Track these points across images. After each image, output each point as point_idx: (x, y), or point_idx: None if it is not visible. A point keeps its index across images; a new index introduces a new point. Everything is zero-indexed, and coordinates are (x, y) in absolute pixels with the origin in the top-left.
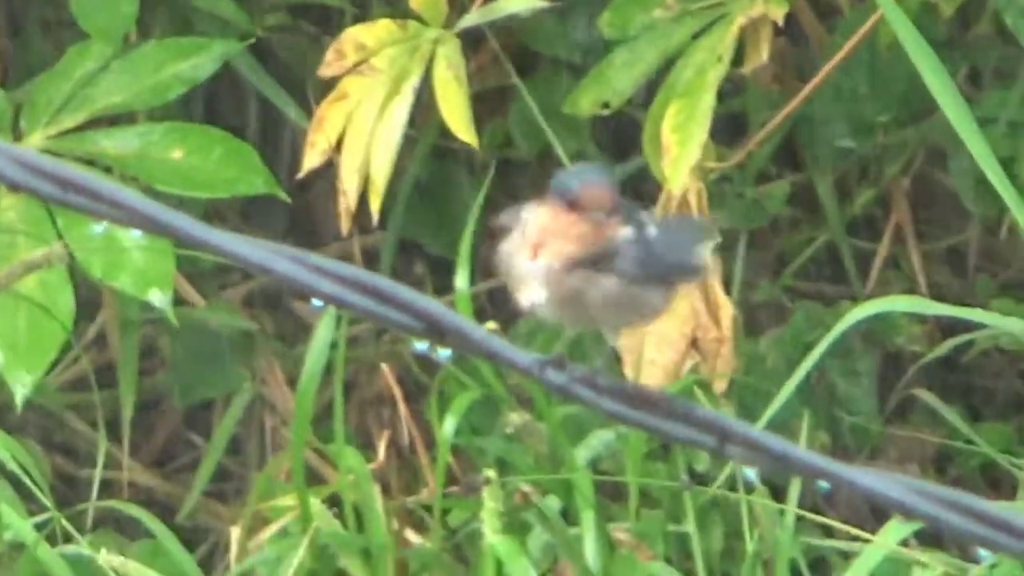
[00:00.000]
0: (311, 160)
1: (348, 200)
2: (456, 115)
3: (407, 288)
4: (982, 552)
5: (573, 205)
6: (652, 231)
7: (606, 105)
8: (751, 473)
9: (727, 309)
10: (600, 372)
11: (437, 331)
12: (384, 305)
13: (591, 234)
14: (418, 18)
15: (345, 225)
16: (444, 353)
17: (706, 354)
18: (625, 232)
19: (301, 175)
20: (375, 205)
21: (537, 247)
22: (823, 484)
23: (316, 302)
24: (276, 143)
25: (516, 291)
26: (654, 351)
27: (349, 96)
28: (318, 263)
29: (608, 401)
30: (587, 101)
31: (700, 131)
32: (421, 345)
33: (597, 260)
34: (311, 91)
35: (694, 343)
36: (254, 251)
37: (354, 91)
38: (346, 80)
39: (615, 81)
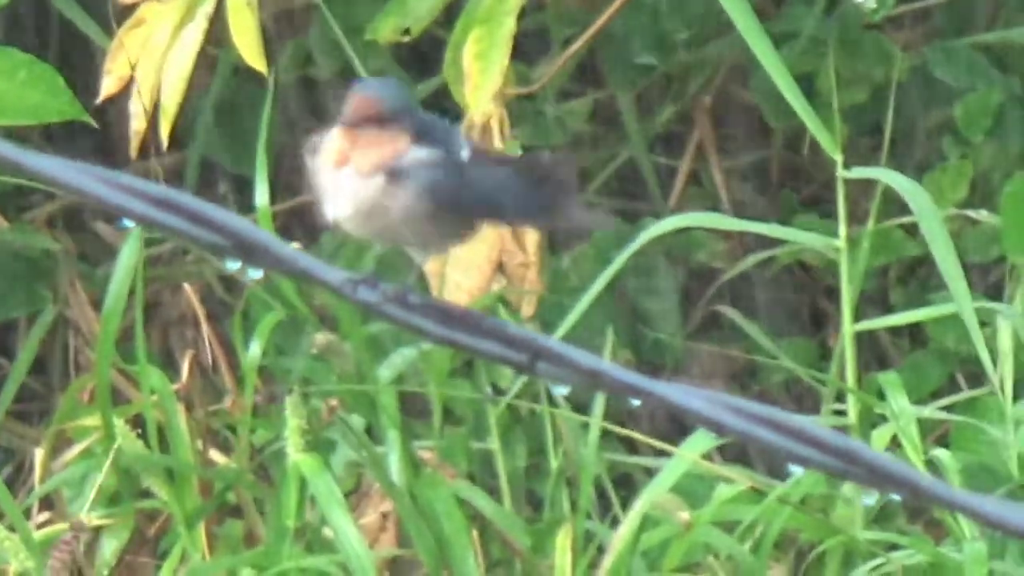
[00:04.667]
0: (108, 87)
1: (137, 123)
2: (247, 41)
3: (217, 207)
4: (792, 468)
5: (352, 118)
6: (466, 156)
7: (407, 32)
8: (561, 390)
9: (532, 233)
10: (411, 290)
11: (247, 250)
12: (194, 224)
13: (382, 146)
14: None
15: (135, 148)
16: (254, 272)
17: (512, 278)
18: (418, 152)
19: (99, 101)
20: (165, 129)
21: (339, 159)
22: (633, 401)
23: (126, 222)
24: (79, 65)
25: (323, 204)
26: (460, 275)
27: (147, 23)
28: (127, 183)
29: (419, 319)
30: (388, 28)
31: (501, 58)
32: (232, 264)
33: (393, 173)
34: (112, 15)
35: (500, 267)
36: (64, 171)
37: (151, 17)
38: (144, 7)
39: (415, 8)
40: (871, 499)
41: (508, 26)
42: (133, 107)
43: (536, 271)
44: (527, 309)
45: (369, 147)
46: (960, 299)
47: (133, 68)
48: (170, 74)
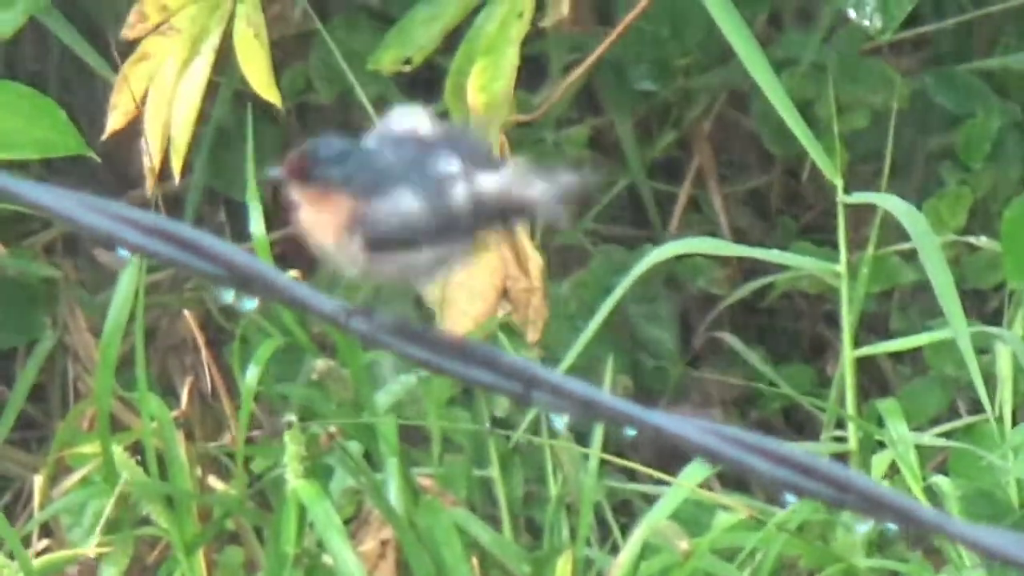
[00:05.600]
0: (115, 122)
1: (153, 160)
2: (258, 73)
3: (211, 236)
4: (789, 497)
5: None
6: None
7: (408, 61)
8: (558, 420)
9: (536, 259)
10: (406, 319)
11: (242, 279)
12: (188, 253)
13: (337, 208)
14: None
15: (150, 184)
16: (248, 304)
17: (517, 304)
18: (364, 210)
19: (105, 136)
20: (177, 164)
21: (304, 230)
22: (629, 431)
23: (122, 251)
24: (78, 94)
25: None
26: (465, 303)
27: (151, 57)
28: (121, 212)
29: (415, 349)
30: (390, 58)
31: (506, 88)
32: (227, 294)
33: (355, 235)
34: (114, 46)
35: (504, 293)
36: (58, 200)
37: (156, 51)
38: (148, 41)
39: (417, 37)
40: (864, 527)
41: (512, 56)
42: (150, 144)
43: (540, 296)
44: (532, 334)
45: (322, 211)
46: (956, 326)
47: (138, 102)
48: (179, 108)
